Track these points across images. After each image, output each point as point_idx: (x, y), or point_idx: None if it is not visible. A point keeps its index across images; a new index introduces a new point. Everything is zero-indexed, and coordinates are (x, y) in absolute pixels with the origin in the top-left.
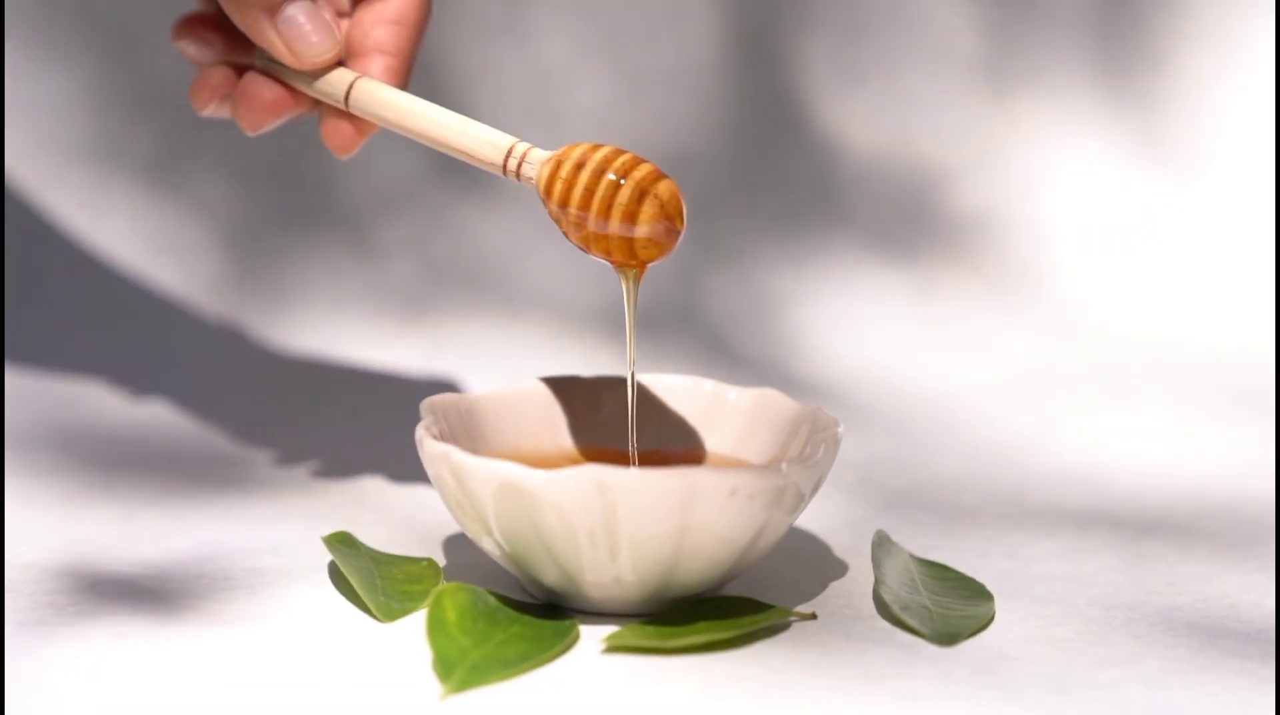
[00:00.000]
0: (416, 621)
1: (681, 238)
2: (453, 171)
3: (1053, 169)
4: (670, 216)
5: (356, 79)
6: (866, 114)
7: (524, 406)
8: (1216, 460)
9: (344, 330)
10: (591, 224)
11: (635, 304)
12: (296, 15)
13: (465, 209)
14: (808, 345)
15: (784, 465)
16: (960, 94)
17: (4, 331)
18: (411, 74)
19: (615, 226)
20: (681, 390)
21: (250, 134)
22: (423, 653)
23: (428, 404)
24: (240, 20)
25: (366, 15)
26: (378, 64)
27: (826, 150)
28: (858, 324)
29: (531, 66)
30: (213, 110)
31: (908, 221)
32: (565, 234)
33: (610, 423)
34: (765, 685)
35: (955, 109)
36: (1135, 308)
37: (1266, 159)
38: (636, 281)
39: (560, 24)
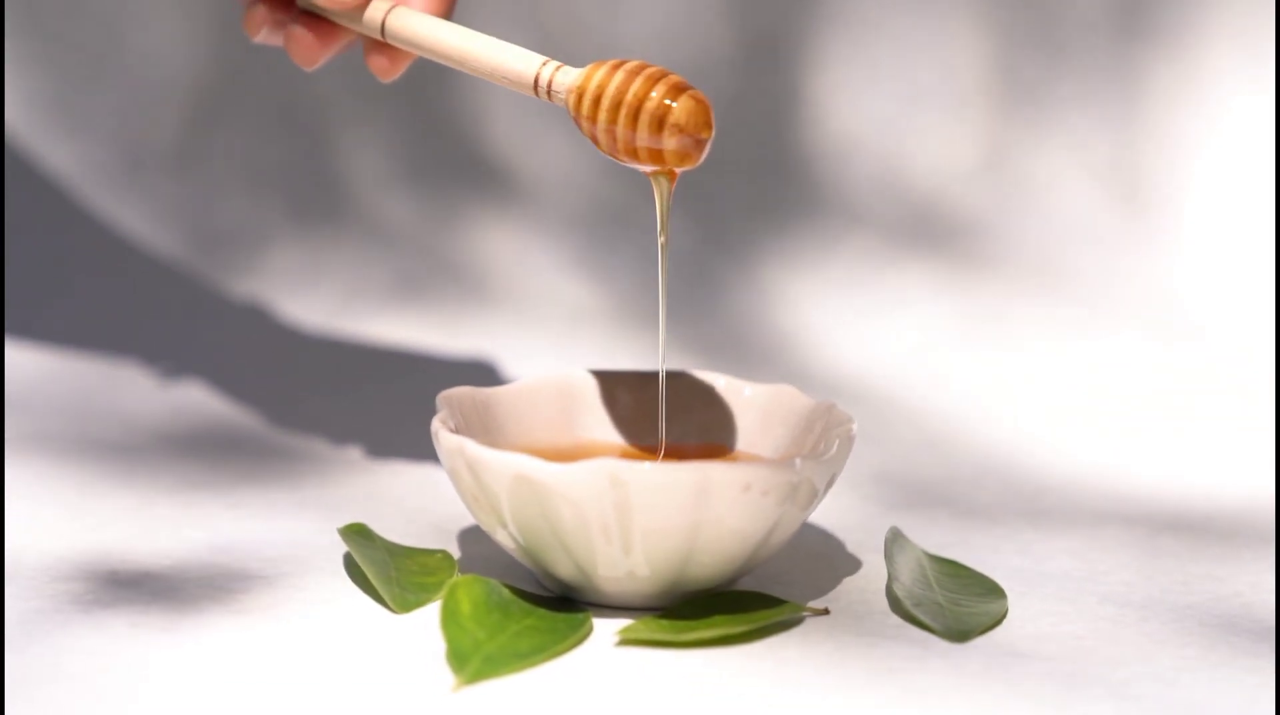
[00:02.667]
0: (431, 613)
1: (710, 145)
2: (470, 165)
3: (1070, 169)
4: (696, 128)
5: (390, 10)
6: (882, 112)
7: (539, 400)
8: (1230, 461)
9: (360, 324)
10: (620, 137)
11: (668, 209)
12: None
13: (483, 204)
14: (822, 342)
15: (798, 461)
16: (975, 93)
17: (3, 321)
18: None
19: (643, 139)
20: (696, 386)
21: (307, 70)
22: (437, 644)
23: (444, 397)
24: None
25: None
26: None
27: (843, 148)
28: (873, 322)
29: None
30: (264, 38)
31: (924, 220)
32: (597, 147)
33: (626, 416)
34: (778, 680)
35: (970, 108)
36: (1150, 307)
37: (1267, 163)
38: (669, 188)
39: (576, 20)
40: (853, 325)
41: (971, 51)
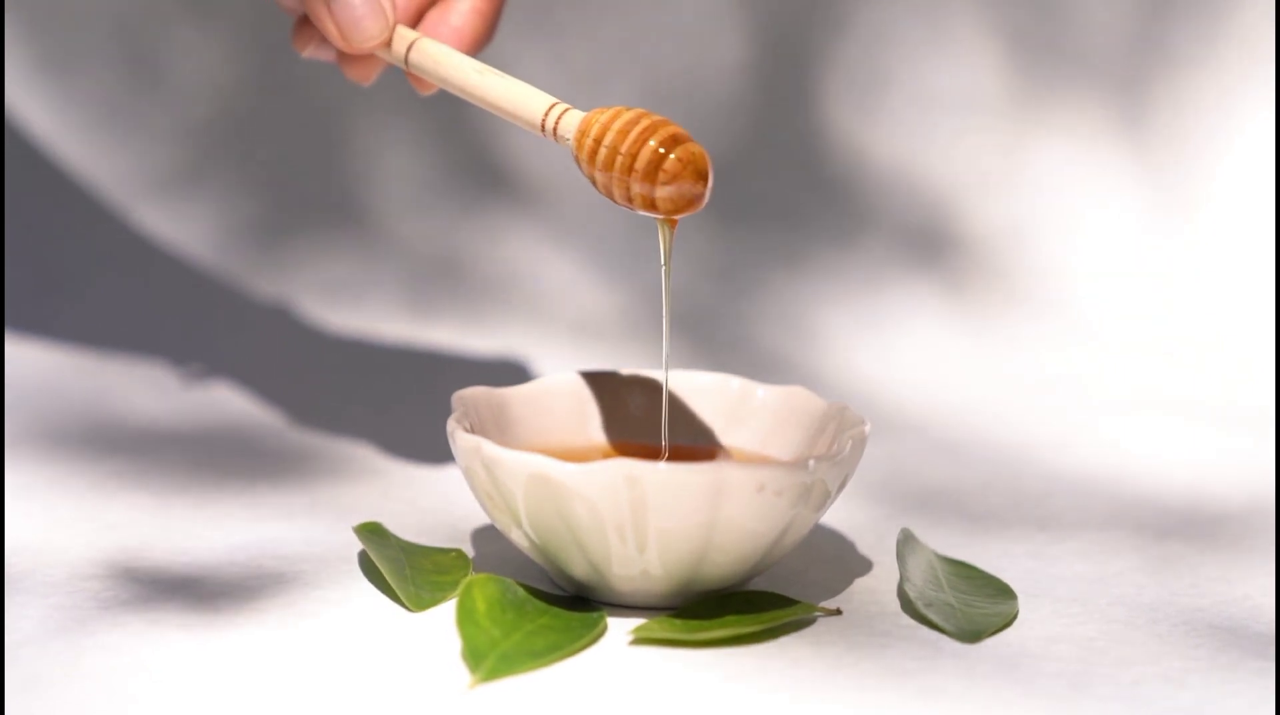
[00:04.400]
0: (446, 611)
1: (708, 195)
2: (482, 170)
3: (1080, 178)
4: (692, 178)
5: (414, 42)
6: (892, 121)
7: (554, 400)
8: (1240, 464)
9: (373, 325)
10: (616, 184)
11: (669, 252)
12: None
13: (496, 207)
14: (835, 346)
15: (811, 462)
16: (986, 103)
17: (2, 318)
18: (499, 17)
19: (639, 187)
20: (709, 387)
21: (364, 85)
22: (452, 642)
23: (459, 397)
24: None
25: None
26: (465, 3)
27: (853, 155)
28: (885, 326)
29: (559, 67)
30: (311, 52)
31: (934, 227)
32: (598, 191)
33: (639, 417)
34: (790, 679)
35: (981, 118)
36: (1162, 313)
37: (1267, 173)
38: (670, 235)
39: (588, 26)
40: (866, 330)
41: (985, 60)
